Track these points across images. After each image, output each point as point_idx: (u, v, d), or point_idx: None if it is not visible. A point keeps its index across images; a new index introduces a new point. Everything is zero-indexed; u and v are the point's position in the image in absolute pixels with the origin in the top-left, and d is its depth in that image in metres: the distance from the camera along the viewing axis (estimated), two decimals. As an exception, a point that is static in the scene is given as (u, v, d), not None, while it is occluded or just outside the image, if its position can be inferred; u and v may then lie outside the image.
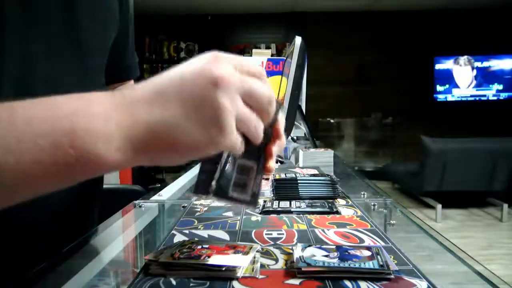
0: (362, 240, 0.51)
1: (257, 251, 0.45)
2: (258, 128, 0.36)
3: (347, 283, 0.38)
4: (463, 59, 5.71)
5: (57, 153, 0.29)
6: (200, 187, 0.39)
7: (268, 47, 5.69)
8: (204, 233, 0.55)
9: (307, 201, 0.70)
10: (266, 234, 0.54)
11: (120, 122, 0.31)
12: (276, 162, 1.05)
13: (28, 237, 0.53)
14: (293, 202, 0.69)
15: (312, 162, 1.00)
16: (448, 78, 5.76)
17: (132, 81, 0.81)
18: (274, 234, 0.54)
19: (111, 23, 0.63)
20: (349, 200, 0.73)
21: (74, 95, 0.32)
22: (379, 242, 0.50)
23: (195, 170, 1.11)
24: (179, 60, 5.91)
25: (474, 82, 5.74)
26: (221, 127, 0.32)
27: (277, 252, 0.47)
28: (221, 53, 0.35)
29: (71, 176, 0.31)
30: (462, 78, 5.76)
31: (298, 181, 0.74)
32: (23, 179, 0.29)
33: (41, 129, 0.29)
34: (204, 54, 0.34)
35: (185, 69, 0.34)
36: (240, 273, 0.39)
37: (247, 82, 0.34)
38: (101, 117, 0.31)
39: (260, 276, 0.40)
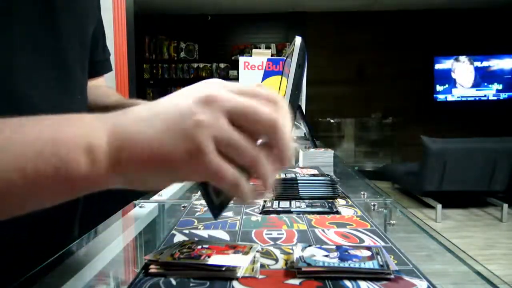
0: (362, 240, 0.51)
1: (257, 251, 0.45)
2: (248, 155, 0.32)
3: (347, 283, 0.38)
4: (463, 59, 5.71)
5: (41, 163, 0.29)
6: (215, 211, 0.39)
7: (268, 47, 5.69)
8: (204, 233, 0.55)
9: (307, 201, 0.70)
10: (266, 234, 0.54)
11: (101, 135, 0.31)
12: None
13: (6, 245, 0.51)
14: (293, 202, 0.69)
15: (312, 162, 1.00)
16: (448, 78, 5.77)
17: (102, 78, 0.78)
18: (274, 234, 0.54)
19: (88, 15, 0.61)
20: (349, 200, 0.73)
21: (72, 117, 0.32)
22: (379, 242, 0.50)
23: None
24: (179, 60, 5.91)
25: (474, 82, 5.75)
26: (196, 145, 0.30)
27: (277, 252, 0.47)
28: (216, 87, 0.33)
29: (61, 189, 0.31)
30: (462, 78, 5.76)
31: (298, 181, 0.74)
32: (23, 192, 0.29)
33: (37, 146, 0.29)
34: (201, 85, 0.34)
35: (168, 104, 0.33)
36: (240, 273, 0.39)
37: (238, 101, 0.32)
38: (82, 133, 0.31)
39: (260, 276, 0.40)
